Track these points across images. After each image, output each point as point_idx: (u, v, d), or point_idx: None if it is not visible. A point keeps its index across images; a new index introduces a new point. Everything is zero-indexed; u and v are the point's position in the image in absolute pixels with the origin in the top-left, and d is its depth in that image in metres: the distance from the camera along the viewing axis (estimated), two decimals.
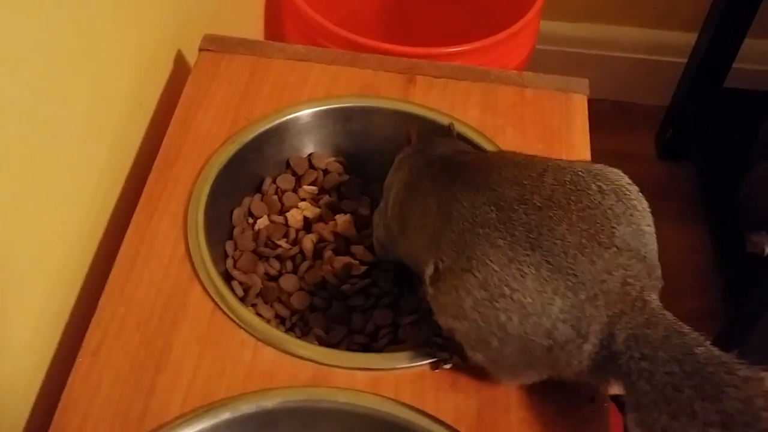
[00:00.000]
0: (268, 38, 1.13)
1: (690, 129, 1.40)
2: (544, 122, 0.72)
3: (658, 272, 0.52)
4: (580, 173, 0.53)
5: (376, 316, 0.63)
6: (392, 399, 0.55)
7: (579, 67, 1.52)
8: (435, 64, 0.76)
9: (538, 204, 0.51)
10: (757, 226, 1.21)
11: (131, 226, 0.63)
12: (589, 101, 1.73)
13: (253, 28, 1.08)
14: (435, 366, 0.57)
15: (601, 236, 0.50)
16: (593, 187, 0.52)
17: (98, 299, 0.59)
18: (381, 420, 0.55)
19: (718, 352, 0.47)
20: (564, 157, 0.69)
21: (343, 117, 0.72)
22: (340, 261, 0.65)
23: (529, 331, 0.49)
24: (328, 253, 0.66)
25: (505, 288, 0.49)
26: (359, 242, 0.67)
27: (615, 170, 0.55)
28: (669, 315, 0.49)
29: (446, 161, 0.59)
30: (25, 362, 0.57)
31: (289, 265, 0.66)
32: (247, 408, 0.54)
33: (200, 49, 0.75)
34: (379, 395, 0.55)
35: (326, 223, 0.68)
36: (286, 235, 0.67)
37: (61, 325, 0.60)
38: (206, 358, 0.57)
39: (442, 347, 0.57)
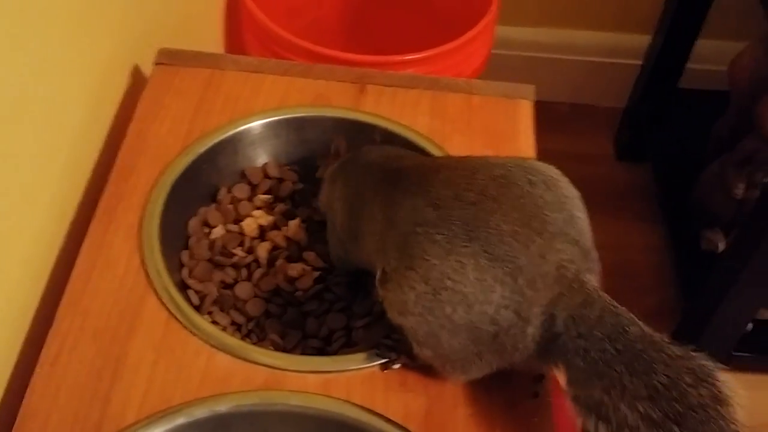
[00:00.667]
0: (229, 50, 1.15)
1: (646, 130, 1.43)
2: (491, 128, 0.75)
3: (594, 256, 0.55)
4: (510, 168, 0.55)
5: (330, 321, 0.65)
6: (343, 400, 0.57)
7: (537, 71, 1.55)
8: (385, 73, 0.78)
9: (472, 199, 0.53)
10: (711, 224, 1.24)
11: (87, 239, 0.64)
12: (549, 104, 1.77)
13: (213, 40, 1.10)
14: (385, 367, 0.59)
15: (534, 223, 0.52)
16: (523, 179, 0.54)
17: (56, 310, 0.60)
18: (332, 421, 0.56)
19: (650, 331, 0.50)
20: None
21: (296, 126, 0.74)
22: (294, 268, 0.67)
23: (475, 320, 0.51)
24: (281, 261, 0.67)
25: (447, 280, 0.51)
26: (311, 248, 0.69)
27: (546, 164, 0.58)
28: (605, 296, 0.52)
29: (384, 168, 0.61)
30: None
31: (244, 273, 0.67)
32: (201, 413, 0.56)
33: (155, 63, 0.77)
34: (330, 397, 0.57)
35: (280, 230, 0.70)
36: (241, 244, 0.69)
37: (21, 337, 0.62)
38: (161, 365, 0.58)
39: (391, 348, 0.59)
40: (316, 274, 0.67)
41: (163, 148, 0.70)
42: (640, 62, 1.45)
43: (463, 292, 0.51)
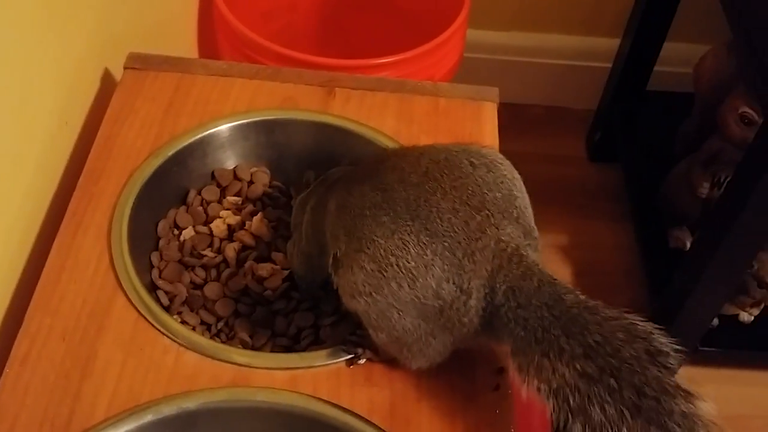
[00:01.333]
0: (202, 54, 1.16)
1: (617, 131, 1.46)
2: (456, 129, 0.76)
3: (535, 234, 0.57)
4: (454, 152, 0.58)
5: (298, 319, 0.66)
6: (309, 395, 0.58)
7: (511, 74, 1.58)
8: (353, 76, 0.80)
9: (415, 181, 0.56)
10: (678, 222, 1.27)
11: (57, 240, 0.65)
12: (523, 107, 1.79)
13: (186, 45, 1.10)
14: (350, 362, 0.60)
15: (473, 201, 0.55)
16: (465, 162, 0.57)
17: (25, 312, 0.61)
18: (299, 416, 0.58)
19: (585, 298, 0.52)
20: None
21: (265, 129, 0.75)
22: (263, 267, 0.68)
23: (420, 295, 0.54)
24: (250, 261, 0.69)
25: (391, 257, 0.54)
26: (280, 249, 0.70)
27: (490, 149, 0.60)
28: (544, 269, 0.54)
29: (342, 176, 0.63)
30: None
31: (213, 273, 0.68)
32: (169, 410, 0.57)
33: (125, 67, 0.78)
34: (297, 392, 0.58)
35: (248, 230, 0.71)
36: (210, 245, 0.70)
37: None
38: (130, 364, 0.59)
39: (356, 344, 0.60)
40: (285, 273, 0.68)
41: (132, 152, 0.71)
42: (609, 65, 1.48)
43: (406, 267, 0.53)
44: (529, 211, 0.58)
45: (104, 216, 0.67)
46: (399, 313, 0.54)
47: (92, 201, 0.67)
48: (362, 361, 0.60)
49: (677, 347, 0.50)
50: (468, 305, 0.53)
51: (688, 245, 1.25)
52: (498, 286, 0.53)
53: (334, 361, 0.60)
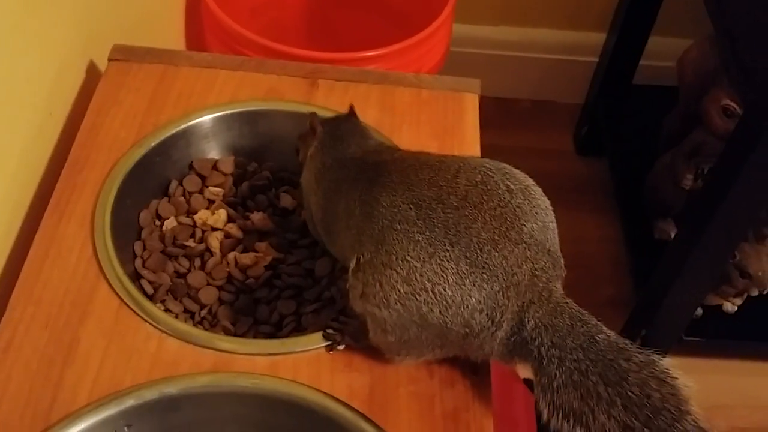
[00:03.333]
0: (190, 47, 1.16)
1: (603, 125, 1.47)
2: (438, 120, 0.77)
3: (561, 263, 0.58)
4: (490, 173, 0.58)
5: (280, 307, 0.67)
6: (290, 380, 0.59)
7: (499, 68, 1.59)
8: (336, 68, 0.81)
9: (455, 203, 0.55)
10: (663, 214, 1.28)
11: (40, 230, 0.65)
12: (511, 101, 1.80)
13: (173, 37, 1.11)
14: (330, 348, 0.61)
15: (512, 233, 0.55)
16: (502, 186, 0.57)
17: (8, 301, 0.62)
18: (279, 400, 0.58)
19: (615, 338, 0.54)
20: (456, 152, 0.74)
21: (248, 120, 0.76)
22: (246, 256, 0.69)
23: (449, 321, 0.54)
24: (233, 251, 0.69)
25: (427, 282, 0.54)
26: (264, 239, 0.71)
27: (521, 172, 0.60)
28: (572, 303, 0.55)
29: (361, 163, 0.63)
30: None
31: (197, 262, 0.69)
32: (150, 395, 0.57)
33: (109, 59, 0.78)
34: (278, 377, 0.59)
35: (234, 222, 0.72)
36: (193, 236, 0.71)
37: None
38: (112, 350, 0.60)
39: (337, 330, 0.61)
40: (268, 260, 0.69)
41: (116, 142, 0.72)
42: (597, 59, 1.49)
43: (442, 294, 0.54)
44: (557, 240, 0.58)
45: (87, 205, 0.67)
46: (419, 329, 0.55)
47: (76, 191, 0.68)
48: (342, 347, 0.61)
49: (692, 385, 0.52)
50: (495, 336, 0.54)
51: (673, 236, 1.26)
52: (527, 320, 0.54)
53: (315, 347, 0.61)
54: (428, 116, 0.77)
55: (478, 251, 0.54)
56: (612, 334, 0.54)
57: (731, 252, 1.09)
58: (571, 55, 1.56)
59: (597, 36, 1.48)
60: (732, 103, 1.09)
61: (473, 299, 0.53)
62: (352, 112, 0.69)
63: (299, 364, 0.60)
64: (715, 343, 1.21)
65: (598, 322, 0.54)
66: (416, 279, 0.54)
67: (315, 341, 0.61)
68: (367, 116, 0.76)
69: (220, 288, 0.68)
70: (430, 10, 1.14)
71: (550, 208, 0.59)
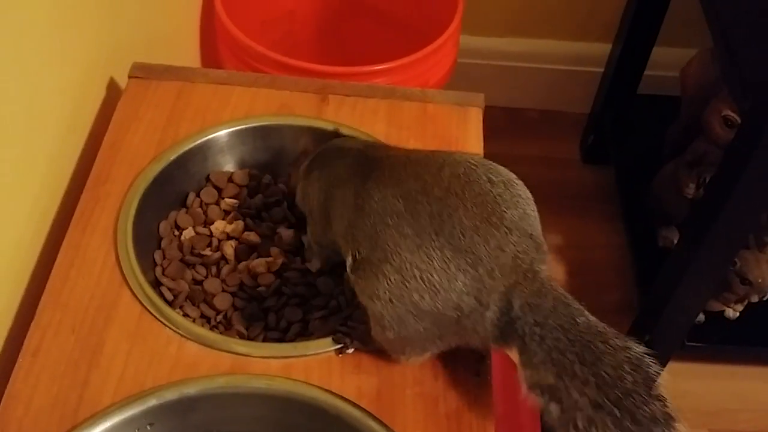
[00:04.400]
0: (205, 62, 1.20)
1: (609, 134, 1.50)
2: (443, 133, 0.80)
3: (544, 248, 0.61)
4: (472, 166, 0.61)
5: (288, 314, 0.70)
6: (302, 381, 0.62)
7: (508, 79, 1.62)
8: (346, 84, 0.84)
9: (439, 194, 0.59)
10: (666, 222, 1.30)
11: (66, 240, 0.69)
12: (519, 110, 1.83)
13: (189, 53, 1.15)
14: (339, 351, 0.64)
15: (493, 218, 0.58)
16: (484, 177, 0.60)
17: (36, 306, 0.65)
18: (292, 400, 0.62)
19: (595, 322, 0.56)
20: None
21: (262, 134, 0.79)
22: (258, 264, 0.72)
23: (440, 306, 0.57)
24: (247, 259, 0.73)
25: (415, 270, 0.57)
26: (277, 245, 0.74)
27: (503, 168, 0.63)
28: (556, 286, 0.58)
29: (359, 155, 0.67)
30: None
31: (213, 270, 0.73)
32: (171, 395, 0.61)
33: (129, 76, 0.82)
34: (291, 379, 0.62)
35: (250, 231, 0.75)
36: (209, 245, 0.74)
37: (4, 330, 0.67)
38: (135, 354, 0.63)
39: (346, 334, 0.64)
40: (278, 264, 0.72)
41: (136, 156, 0.75)
42: (602, 70, 1.52)
43: (430, 281, 0.57)
44: (539, 227, 0.61)
45: (110, 217, 0.71)
46: (415, 319, 0.58)
47: (99, 203, 0.72)
48: (351, 351, 0.64)
49: (662, 371, 0.54)
50: (485, 317, 0.57)
51: (675, 244, 1.28)
52: (514, 301, 0.57)
53: (325, 350, 0.64)
54: (434, 129, 0.81)
55: (462, 237, 0.57)
56: (593, 318, 0.56)
57: (731, 259, 1.12)
58: (578, 66, 1.60)
59: (603, 47, 1.51)
60: (732, 114, 1.12)
61: (459, 282, 0.57)
62: (338, 133, 0.74)
63: (311, 367, 0.63)
64: (718, 348, 1.24)
65: (581, 306, 0.57)
66: (406, 269, 0.57)
67: (325, 345, 0.64)
68: (376, 130, 0.80)
69: (233, 294, 0.71)
70: (438, 22, 1.17)
71: (531, 198, 0.62)
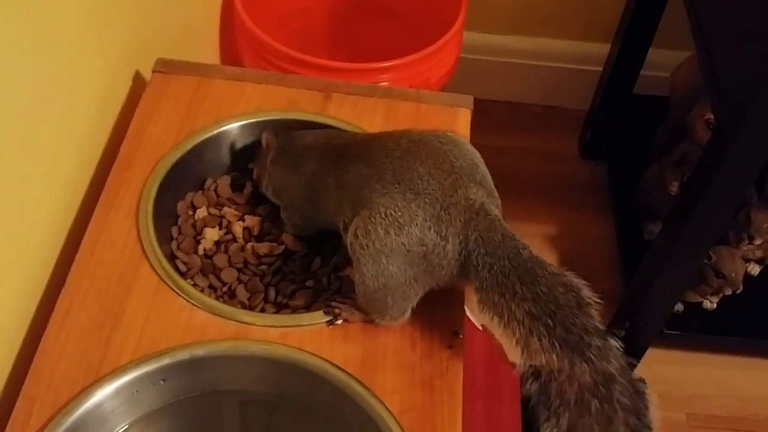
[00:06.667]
0: (224, 57, 1.28)
1: (604, 131, 1.57)
2: None
3: (496, 195, 0.72)
4: (426, 135, 0.73)
5: (284, 289, 0.78)
6: (296, 347, 0.71)
7: (512, 75, 1.69)
8: (348, 83, 0.92)
9: (398, 155, 0.70)
10: (652, 217, 1.38)
11: (93, 217, 0.78)
12: (522, 105, 1.90)
13: (210, 48, 1.23)
14: (330, 323, 0.73)
15: (444, 167, 0.69)
16: (435, 141, 0.72)
17: (67, 275, 0.75)
18: (287, 364, 0.71)
19: (537, 255, 0.67)
20: None
21: (271, 128, 0.88)
22: (262, 246, 0.81)
23: (405, 242, 0.67)
24: (251, 240, 0.82)
25: (382, 208, 0.68)
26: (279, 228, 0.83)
27: (455, 134, 0.75)
28: (505, 224, 0.69)
29: (328, 146, 0.77)
30: (10, 323, 0.72)
31: (222, 247, 0.81)
32: (182, 355, 0.70)
33: (153, 71, 0.91)
34: (286, 345, 0.71)
35: (255, 215, 0.84)
36: (219, 224, 0.83)
37: (37, 296, 0.76)
38: (152, 319, 0.72)
39: (335, 308, 0.73)
40: (280, 248, 0.81)
41: (158, 144, 0.84)
42: (601, 69, 1.58)
43: (394, 216, 0.67)
44: (489, 179, 0.72)
45: (133, 198, 0.80)
46: (387, 258, 0.68)
47: (123, 185, 0.81)
48: (340, 322, 0.73)
49: (598, 300, 0.65)
50: (446, 249, 0.67)
51: None
52: (470, 234, 0.67)
53: (318, 321, 0.73)
54: (426, 127, 0.88)
55: (419, 182, 0.68)
56: (535, 253, 0.67)
57: (706, 253, 1.19)
58: (579, 65, 1.66)
59: (603, 47, 1.57)
60: (714, 116, 1.19)
61: (419, 218, 0.67)
62: (291, 126, 0.84)
63: (304, 335, 0.72)
64: (695, 337, 1.31)
65: (526, 243, 0.68)
66: (376, 210, 0.68)
67: (318, 317, 0.73)
68: (374, 126, 0.88)
69: (239, 270, 0.80)
70: (444, 20, 1.25)
71: (479, 154, 0.74)
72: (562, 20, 1.62)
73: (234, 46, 1.26)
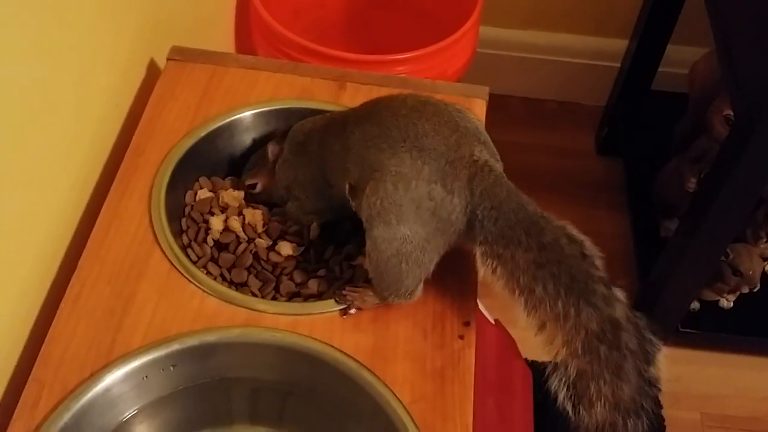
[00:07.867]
0: (239, 46, 1.28)
1: (621, 127, 1.55)
2: None
3: (498, 159, 0.72)
4: (430, 98, 0.74)
5: (296, 277, 0.77)
6: (307, 336, 0.71)
7: (528, 70, 1.68)
8: (363, 73, 0.92)
9: (404, 113, 0.71)
10: (669, 214, 1.36)
11: (106, 203, 0.78)
12: (538, 101, 1.89)
13: (224, 37, 1.23)
14: (343, 312, 0.72)
15: (449, 124, 0.70)
16: (440, 103, 0.73)
17: (78, 259, 0.75)
18: (297, 352, 0.70)
19: (542, 211, 0.68)
20: None
21: (284, 117, 0.87)
22: (274, 254, 0.79)
23: (414, 197, 0.67)
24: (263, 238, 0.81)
25: (392, 167, 0.68)
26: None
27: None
28: (509, 182, 0.69)
29: (329, 122, 0.78)
30: (21, 306, 0.72)
31: (231, 247, 0.80)
32: (192, 341, 0.70)
33: (168, 59, 0.90)
34: (297, 333, 0.71)
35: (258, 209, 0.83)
36: (212, 211, 0.81)
37: (49, 279, 0.76)
38: (162, 305, 0.72)
39: (346, 296, 0.72)
40: (300, 249, 0.80)
41: (171, 132, 0.84)
42: (619, 65, 1.57)
43: (402, 173, 0.68)
44: (493, 146, 0.73)
45: (146, 184, 0.79)
46: (397, 219, 0.68)
47: (136, 171, 0.80)
48: (353, 311, 0.72)
49: (601, 254, 0.67)
50: (453, 203, 0.68)
51: None
52: (475, 188, 0.68)
53: (329, 310, 0.72)
54: None
55: (424, 138, 0.69)
56: (539, 207, 0.67)
57: (723, 250, 1.18)
58: (596, 60, 1.65)
59: (620, 42, 1.56)
60: (733, 113, 1.17)
61: (425, 172, 0.67)
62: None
63: (315, 324, 0.72)
64: (712, 336, 1.30)
65: (531, 199, 0.68)
66: (386, 170, 0.68)
67: (329, 306, 0.73)
68: None
69: (248, 270, 0.79)
70: (460, 13, 1.24)
71: (482, 122, 0.76)
72: (578, 15, 1.61)
73: (249, 38, 1.26)
